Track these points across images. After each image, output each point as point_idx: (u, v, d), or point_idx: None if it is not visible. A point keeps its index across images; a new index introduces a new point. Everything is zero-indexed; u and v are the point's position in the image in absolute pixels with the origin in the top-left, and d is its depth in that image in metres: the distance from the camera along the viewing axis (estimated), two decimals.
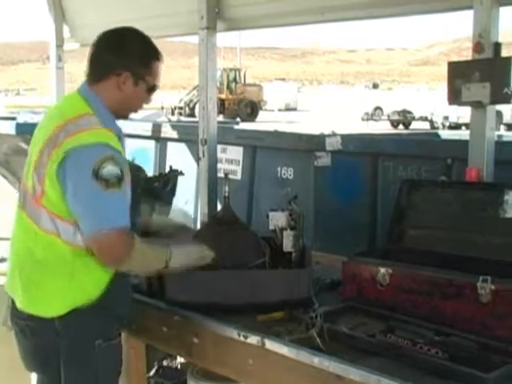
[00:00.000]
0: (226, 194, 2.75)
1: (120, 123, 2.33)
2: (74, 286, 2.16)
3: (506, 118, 24.27)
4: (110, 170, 2.05)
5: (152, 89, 2.35)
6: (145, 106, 2.47)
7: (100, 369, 2.24)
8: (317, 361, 2.05)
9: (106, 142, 2.11)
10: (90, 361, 2.22)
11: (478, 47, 2.79)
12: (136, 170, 2.86)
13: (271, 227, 2.71)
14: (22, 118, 7.96)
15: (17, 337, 2.35)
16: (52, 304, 2.18)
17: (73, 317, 2.16)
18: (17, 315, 2.30)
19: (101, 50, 2.29)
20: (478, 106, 2.82)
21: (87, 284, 2.19)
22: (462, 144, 3.19)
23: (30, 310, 2.21)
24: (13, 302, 2.32)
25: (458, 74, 2.85)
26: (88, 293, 2.18)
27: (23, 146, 6.66)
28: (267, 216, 2.73)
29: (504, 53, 2.84)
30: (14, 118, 8.00)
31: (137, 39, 2.32)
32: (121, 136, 2.26)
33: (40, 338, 2.24)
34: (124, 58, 2.25)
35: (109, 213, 2.10)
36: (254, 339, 2.23)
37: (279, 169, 4.44)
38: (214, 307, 2.45)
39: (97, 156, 2.06)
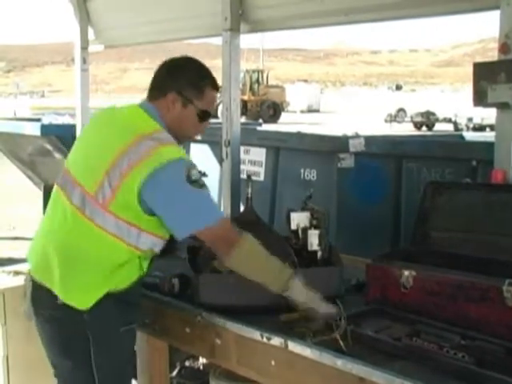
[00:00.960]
0: (249, 196, 2.75)
1: None
2: (110, 280, 2.31)
3: None
4: (196, 174, 2.24)
5: (203, 115, 2.44)
6: None
7: (125, 350, 2.46)
8: (340, 363, 2.04)
9: (184, 154, 2.32)
10: (118, 345, 2.40)
11: (504, 48, 2.76)
12: None
13: (293, 227, 2.71)
14: (46, 120, 8.06)
15: (41, 325, 2.44)
16: (88, 295, 2.29)
17: (100, 309, 2.30)
18: (44, 305, 2.39)
19: (159, 73, 2.46)
20: (503, 107, 2.79)
21: (122, 279, 2.34)
22: (487, 146, 3.16)
23: (64, 299, 2.31)
24: (35, 290, 2.40)
25: (484, 75, 2.82)
26: (119, 286, 2.33)
27: (48, 147, 6.73)
28: (287, 216, 2.73)
29: None
30: (38, 120, 8.10)
31: (194, 65, 2.47)
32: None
33: (68, 327, 2.36)
34: (174, 80, 2.40)
35: (212, 207, 2.30)
36: (277, 341, 2.23)
37: (302, 170, 4.43)
38: (247, 309, 2.45)
39: (184, 166, 2.23)
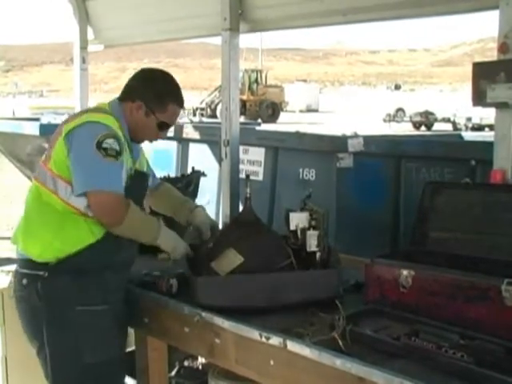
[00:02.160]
0: (248, 196, 2.75)
1: None
2: (61, 237, 2.45)
3: None
4: (110, 143, 2.40)
5: (162, 125, 2.65)
6: None
7: (81, 334, 2.47)
8: (339, 363, 2.04)
9: (112, 124, 2.49)
10: (71, 326, 2.47)
11: (503, 48, 2.77)
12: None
13: (292, 227, 2.71)
14: (45, 119, 8.05)
15: (16, 307, 2.63)
16: (41, 248, 2.46)
17: (56, 280, 2.44)
18: (15, 287, 2.58)
19: (134, 78, 2.69)
20: (503, 107, 2.79)
21: (72, 238, 2.46)
22: (486, 145, 3.16)
23: (24, 252, 2.52)
24: (13, 274, 2.63)
25: (483, 75, 2.82)
26: (69, 245, 2.45)
27: (47, 146, 6.72)
28: (286, 217, 2.73)
29: None
30: (37, 119, 8.09)
31: (165, 81, 2.68)
32: (125, 137, 2.58)
33: (26, 302, 2.52)
34: (144, 91, 2.61)
35: (108, 178, 2.43)
36: (275, 340, 2.23)
37: (301, 170, 4.43)
38: (245, 310, 2.45)
39: (102, 130, 2.43)
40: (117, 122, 2.53)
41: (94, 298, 2.50)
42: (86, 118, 2.47)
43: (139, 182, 2.67)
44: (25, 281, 2.51)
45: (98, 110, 2.63)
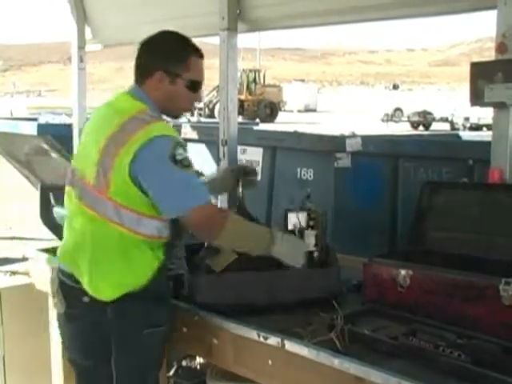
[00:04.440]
0: (241, 195, 2.76)
1: None
2: (130, 271, 2.29)
3: None
4: (182, 153, 2.20)
5: (194, 85, 2.41)
6: None
7: (148, 354, 2.38)
8: (337, 362, 2.04)
9: (172, 132, 2.28)
10: (139, 348, 2.34)
11: (501, 47, 2.77)
12: None
13: (290, 227, 2.71)
14: (43, 119, 8.06)
15: (64, 323, 2.45)
16: (112, 290, 2.28)
17: (123, 307, 2.29)
18: (69, 303, 2.39)
19: (139, 54, 2.42)
20: (501, 106, 2.79)
21: (141, 270, 2.30)
22: (484, 145, 3.16)
23: (90, 291, 2.30)
24: (62, 285, 2.40)
25: (481, 75, 2.82)
26: (141, 278, 2.30)
27: (44, 146, 6.72)
28: (284, 216, 2.73)
29: None
30: (35, 119, 8.09)
31: (170, 39, 2.42)
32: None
33: (91, 327, 2.35)
34: (156, 58, 2.37)
35: (196, 190, 2.26)
36: (274, 340, 2.23)
37: (299, 170, 4.43)
38: (245, 309, 2.45)
39: (170, 143, 2.20)
40: (163, 120, 2.34)
41: (159, 319, 2.38)
42: (144, 136, 2.18)
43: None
44: (86, 299, 2.32)
45: (142, 114, 2.28)
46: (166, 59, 2.36)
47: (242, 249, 2.43)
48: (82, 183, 2.33)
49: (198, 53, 2.41)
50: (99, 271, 2.30)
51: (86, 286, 2.31)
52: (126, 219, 2.25)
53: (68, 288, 2.39)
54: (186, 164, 2.20)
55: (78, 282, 2.34)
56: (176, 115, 2.51)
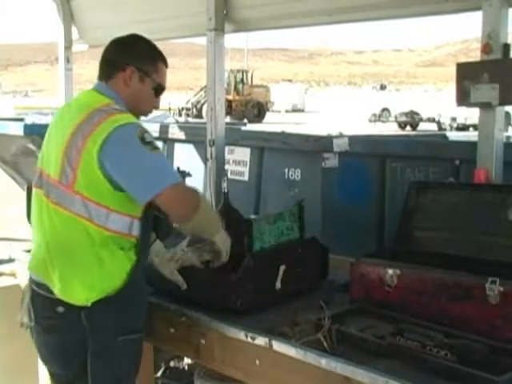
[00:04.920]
0: (225, 190, 2.76)
1: None
2: (102, 272, 2.23)
3: None
4: (149, 137, 2.21)
5: (158, 89, 2.45)
6: None
7: (123, 362, 2.32)
8: (324, 362, 2.04)
9: (136, 121, 2.29)
10: (113, 356, 2.29)
11: (486, 48, 2.79)
12: None
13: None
14: (29, 120, 7.98)
15: (39, 335, 2.38)
16: (84, 294, 2.23)
17: (98, 309, 2.23)
18: (43, 314, 2.33)
19: (110, 51, 2.44)
20: (486, 107, 2.81)
21: (113, 272, 2.25)
22: (470, 145, 3.18)
23: (64, 297, 2.25)
24: (34, 298, 2.35)
25: (467, 75, 2.84)
26: (114, 282, 2.24)
27: (31, 146, 6.67)
28: None
29: None
30: (21, 120, 8.04)
31: (143, 41, 2.47)
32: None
33: (67, 337, 2.29)
34: (129, 55, 2.39)
35: (168, 169, 2.28)
36: (261, 340, 2.23)
37: (286, 170, 4.43)
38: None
39: (136, 128, 2.21)
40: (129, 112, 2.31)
41: (133, 325, 2.33)
42: (111, 125, 2.17)
43: None
44: (61, 309, 2.26)
45: (107, 107, 2.28)
46: (139, 56, 2.39)
47: (201, 230, 2.42)
48: (47, 180, 2.30)
49: (164, 60, 2.48)
50: (70, 274, 2.24)
51: (58, 292, 2.25)
52: (94, 214, 2.19)
53: (41, 299, 2.33)
54: (155, 146, 2.21)
55: (51, 291, 2.28)
56: (136, 117, 2.43)
